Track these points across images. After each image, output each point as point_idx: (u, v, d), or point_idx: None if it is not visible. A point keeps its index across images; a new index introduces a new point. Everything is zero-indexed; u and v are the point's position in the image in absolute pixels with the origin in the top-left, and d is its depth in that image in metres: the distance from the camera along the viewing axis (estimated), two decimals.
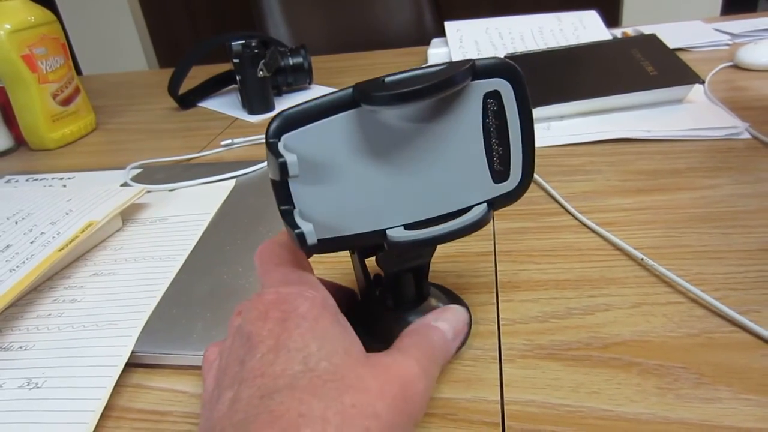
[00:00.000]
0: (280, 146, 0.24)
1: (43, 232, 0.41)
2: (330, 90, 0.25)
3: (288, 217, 0.25)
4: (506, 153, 0.27)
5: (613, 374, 0.28)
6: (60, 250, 0.39)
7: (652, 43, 0.66)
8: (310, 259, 0.29)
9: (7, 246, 0.40)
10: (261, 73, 0.73)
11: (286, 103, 0.78)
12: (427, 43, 0.92)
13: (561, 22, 0.85)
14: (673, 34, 0.78)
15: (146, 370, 0.33)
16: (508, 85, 0.26)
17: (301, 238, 0.25)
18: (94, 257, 0.43)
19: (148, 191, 0.52)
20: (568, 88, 0.61)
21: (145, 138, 0.73)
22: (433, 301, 0.32)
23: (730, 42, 0.79)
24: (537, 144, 0.28)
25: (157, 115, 0.81)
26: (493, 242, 0.40)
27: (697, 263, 0.35)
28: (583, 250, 0.38)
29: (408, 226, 0.27)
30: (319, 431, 0.19)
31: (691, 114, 0.57)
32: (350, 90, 0.25)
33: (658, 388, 0.27)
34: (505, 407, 0.27)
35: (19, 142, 0.75)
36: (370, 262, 0.30)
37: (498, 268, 0.37)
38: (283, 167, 0.24)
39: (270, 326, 0.23)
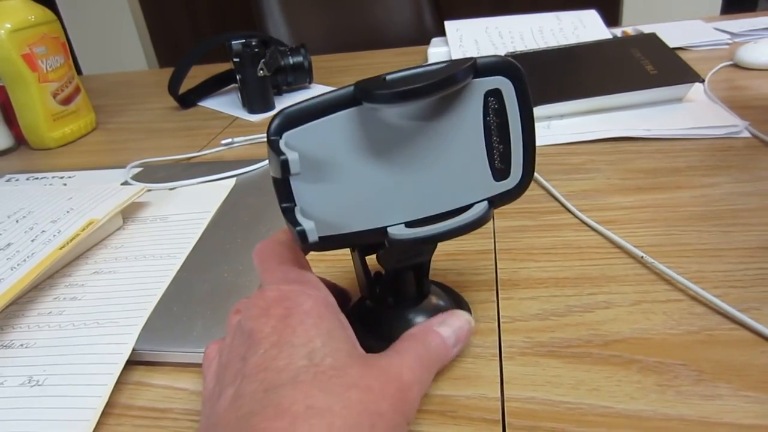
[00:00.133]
0: (282, 144, 0.25)
1: (43, 231, 0.41)
2: (330, 89, 0.25)
3: (289, 214, 0.25)
4: (507, 151, 0.27)
5: (614, 371, 0.28)
6: (61, 249, 0.39)
7: (651, 42, 0.66)
8: (310, 257, 0.29)
9: (8, 244, 0.40)
10: (261, 72, 0.73)
11: (286, 102, 0.78)
12: (427, 42, 0.92)
13: (561, 22, 0.85)
14: (672, 34, 0.78)
15: (147, 367, 0.33)
16: (510, 83, 0.26)
17: (302, 235, 0.25)
18: (94, 255, 0.43)
19: (149, 190, 0.52)
20: (568, 87, 0.61)
21: (146, 137, 0.73)
22: (433, 299, 0.32)
23: (729, 41, 0.79)
24: (537, 142, 0.28)
25: (157, 115, 0.81)
26: (493, 240, 0.40)
27: (697, 261, 0.35)
28: (583, 248, 0.38)
29: (409, 224, 0.27)
30: (327, 423, 0.20)
31: (690, 113, 0.57)
32: (351, 88, 0.25)
33: (658, 385, 0.27)
34: (505, 404, 0.27)
35: (20, 142, 0.75)
36: (371, 259, 0.30)
37: (498, 266, 0.37)
38: (284, 165, 0.24)
39: (273, 323, 0.23)
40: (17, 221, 0.44)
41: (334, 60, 0.99)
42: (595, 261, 0.37)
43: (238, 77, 0.75)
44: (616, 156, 0.51)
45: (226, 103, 0.81)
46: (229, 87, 0.87)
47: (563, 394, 0.27)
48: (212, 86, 0.85)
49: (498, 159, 0.27)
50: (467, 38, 0.85)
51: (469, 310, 0.33)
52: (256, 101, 0.75)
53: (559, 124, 0.58)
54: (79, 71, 0.78)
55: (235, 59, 0.73)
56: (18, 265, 0.38)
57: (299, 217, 0.25)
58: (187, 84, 0.81)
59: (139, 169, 0.60)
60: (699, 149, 0.50)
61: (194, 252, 0.42)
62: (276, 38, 0.85)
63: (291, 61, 0.79)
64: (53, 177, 0.60)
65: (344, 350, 0.23)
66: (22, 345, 0.34)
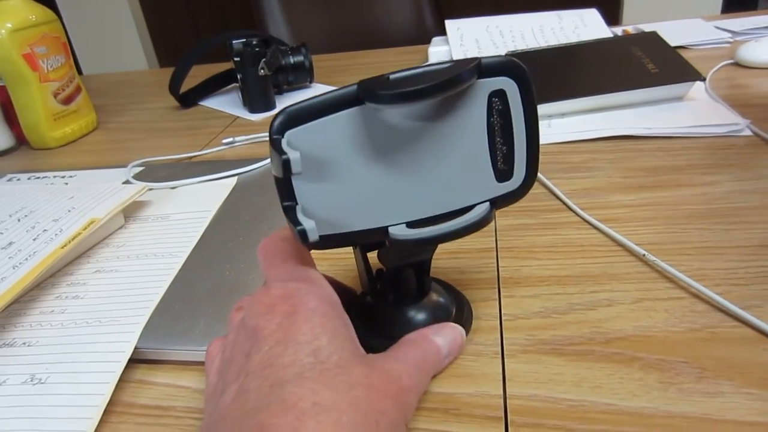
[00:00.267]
0: (284, 143, 0.25)
1: (45, 229, 0.41)
2: (331, 89, 0.25)
3: (290, 213, 0.25)
4: (510, 152, 0.27)
5: (616, 369, 0.28)
6: (62, 247, 0.39)
7: (652, 40, 0.66)
8: (312, 254, 0.29)
9: (10, 243, 0.40)
10: (262, 71, 0.73)
11: (286, 101, 0.78)
12: (428, 42, 0.92)
13: (562, 20, 0.85)
14: (673, 32, 0.78)
15: (149, 365, 0.33)
16: (514, 84, 0.26)
17: (302, 234, 0.25)
18: (96, 254, 0.43)
19: (150, 189, 0.52)
20: (569, 86, 0.61)
21: (146, 137, 0.73)
22: (434, 297, 0.32)
23: (730, 40, 0.79)
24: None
25: (158, 114, 0.81)
26: (494, 238, 0.40)
27: (698, 259, 0.35)
28: (585, 247, 0.38)
29: (410, 224, 0.27)
30: (334, 420, 0.20)
31: (691, 111, 0.57)
32: (354, 87, 0.25)
33: (661, 382, 0.27)
34: (507, 402, 0.27)
35: (21, 141, 0.75)
36: (373, 256, 0.30)
37: (500, 264, 0.37)
38: (286, 164, 0.24)
39: (278, 320, 0.23)
40: (19, 220, 0.44)
41: (334, 59, 0.99)
42: (596, 259, 0.37)
43: (238, 76, 0.75)
44: (617, 154, 0.51)
45: (226, 103, 0.81)
46: (229, 86, 0.87)
47: (565, 391, 0.27)
48: (213, 86, 0.85)
49: (501, 160, 0.27)
50: (468, 37, 0.85)
51: (470, 308, 0.33)
52: (257, 100, 0.75)
53: (560, 123, 0.58)
54: (79, 71, 0.78)
55: (235, 58, 0.73)
56: (20, 263, 0.38)
57: (300, 217, 0.25)
58: (188, 83, 0.82)
59: (141, 169, 0.60)
60: (700, 147, 0.50)
61: (196, 251, 0.42)
62: (277, 38, 0.85)
63: (292, 60, 0.79)
64: (54, 176, 0.60)
65: (348, 349, 0.23)
66: (24, 343, 0.34)
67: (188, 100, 0.82)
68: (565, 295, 0.34)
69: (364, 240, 0.27)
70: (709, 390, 0.27)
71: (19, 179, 0.61)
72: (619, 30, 0.87)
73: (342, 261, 0.39)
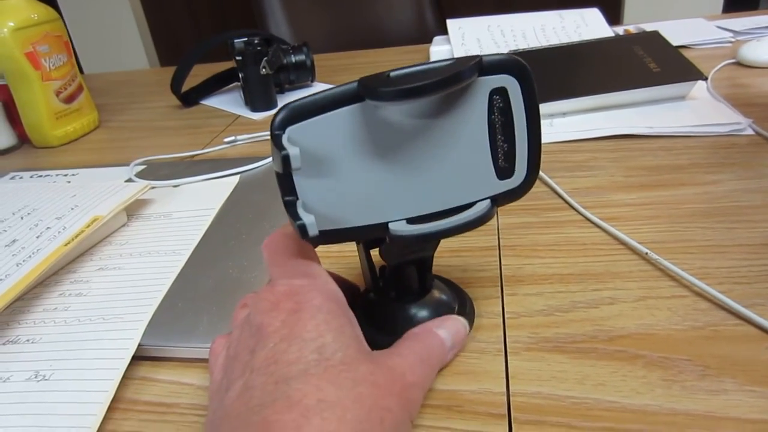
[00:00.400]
0: (284, 139, 0.25)
1: (48, 227, 0.42)
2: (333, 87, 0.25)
3: (291, 208, 0.26)
4: (511, 150, 0.27)
5: (619, 366, 0.28)
6: (66, 245, 0.39)
7: (654, 40, 0.66)
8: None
9: (14, 240, 0.40)
10: (264, 70, 0.73)
11: (288, 100, 0.78)
12: (429, 41, 0.92)
13: (563, 20, 0.85)
14: (675, 32, 0.78)
15: (153, 362, 0.33)
16: (516, 81, 0.26)
17: (302, 229, 0.25)
18: (99, 252, 0.43)
19: (153, 187, 0.52)
20: (570, 85, 0.61)
21: (148, 135, 0.73)
22: (436, 294, 0.32)
23: (732, 39, 0.79)
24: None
25: (160, 113, 0.82)
26: (497, 237, 0.40)
27: (701, 257, 0.35)
28: (588, 245, 0.38)
29: (410, 221, 0.27)
30: (338, 416, 0.20)
31: (693, 110, 0.57)
32: (355, 84, 0.25)
33: (664, 380, 0.27)
34: (511, 399, 0.27)
35: (23, 140, 0.75)
36: (376, 254, 0.30)
37: (502, 263, 0.37)
38: (285, 159, 0.24)
39: (283, 317, 0.23)
40: (22, 218, 0.44)
41: (336, 59, 0.99)
42: (599, 257, 0.37)
43: (240, 75, 0.75)
44: (619, 153, 0.51)
45: (228, 102, 0.81)
46: (231, 85, 0.87)
47: (569, 389, 0.27)
48: (214, 85, 0.85)
49: (502, 157, 0.27)
50: (469, 36, 0.85)
51: (472, 306, 0.33)
52: (258, 99, 0.75)
53: (561, 122, 0.58)
54: (80, 70, 0.78)
55: (237, 57, 0.73)
56: (23, 261, 0.38)
57: (300, 212, 0.25)
58: (190, 82, 0.82)
59: (143, 167, 0.60)
60: (702, 147, 0.50)
61: (199, 248, 0.42)
62: (278, 37, 0.85)
63: (293, 59, 0.79)
64: (57, 175, 0.60)
65: (353, 347, 0.23)
66: (28, 340, 0.34)
67: (190, 99, 0.82)
68: (567, 293, 0.34)
69: (365, 236, 0.28)
70: (712, 388, 0.27)
71: (21, 177, 0.61)
72: (620, 29, 0.87)
73: (345, 258, 0.39)
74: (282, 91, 0.81)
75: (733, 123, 0.52)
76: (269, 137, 0.25)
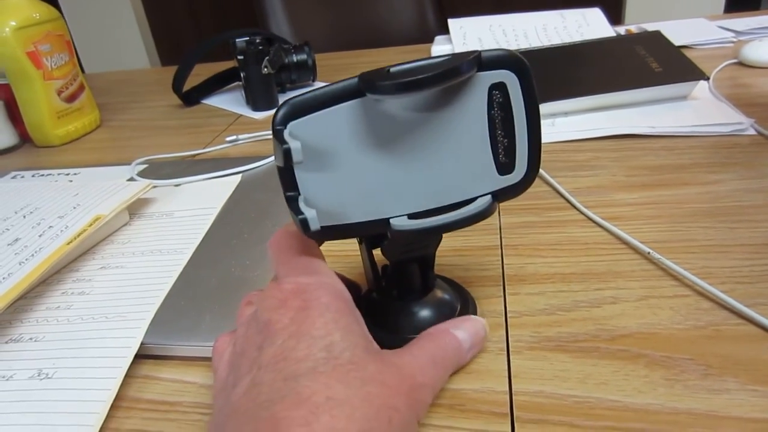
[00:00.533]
0: (286, 133, 0.25)
1: (51, 226, 0.42)
2: None
3: (292, 203, 0.26)
4: (511, 145, 0.27)
5: (621, 366, 0.28)
6: (68, 244, 0.39)
7: (656, 39, 0.66)
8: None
9: (16, 239, 0.40)
10: (265, 69, 0.73)
11: None
12: (430, 41, 0.92)
13: (565, 20, 0.85)
14: (676, 32, 0.78)
15: (155, 361, 0.33)
16: (515, 77, 0.26)
17: (304, 223, 0.26)
18: (101, 251, 0.43)
19: (155, 186, 0.52)
20: (572, 85, 0.61)
21: (150, 134, 0.73)
22: (438, 293, 0.32)
23: (734, 39, 0.79)
24: (542, 139, 0.28)
25: (161, 112, 0.82)
26: (499, 236, 0.40)
27: (703, 257, 0.35)
28: (590, 244, 0.38)
29: (411, 216, 0.27)
30: (347, 414, 0.20)
31: (695, 110, 0.57)
32: (356, 79, 0.25)
33: (666, 379, 0.27)
34: (513, 398, 0.27)
35: (24, 139, 0.75)
36: (378, 254, 0.30)
37: (504, 262, 0.37)
38: (287, 154, 0.24)
39: (291, 314, 0.23)
40: (24, 217, 0.44)
41: (337, 58, 0.99)
42: (601, 257, 0.37)
43: (242, 75, 0.75)
44: (621, 153, 0.51)
45: (229, 101, 0.82)
46: (232, 85, 0.87)
47: (571, 387, 0.27)
48: (215, 84, 0.85)
49: (502, 153, 0.27)
50: (471, 36, 0.85)
51: (474, 305, 0.33)
52: (260, 99, 0.75)
53: (563, 122, 0.58)
54: (81, 69, 0.78)
55: (239, 57, 0.73)
56: (26, 259, 0.38)
57: (302, 206, 0.26)
58: (191, 82, 0.82)
59: (144, 166, 0.60)
60: (704, 146, 0.50)
61: (201, 247, 0.42)
62: (280, 36, 0.85)
63: (295, 58, 0.79)
64: (58, 174, 0.60)
65: (361, 345, 0.23)
66: (31, 339, 0.34)
67: (191, 98, 0.82)
68: (570, 293, 0.34)
69: (366, 231, 0.28)
70: (714, 387, 0.27)
71: (23, 176, 0.61)
72: (622, 29, 0.87)
73: (347, 257, 0.39)
74: (283, 91, 0.81)
75: (735, 123, 0.52)
76: (271, 135, 0.25)
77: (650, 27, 0.83)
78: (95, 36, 2.19)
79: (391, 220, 0.27)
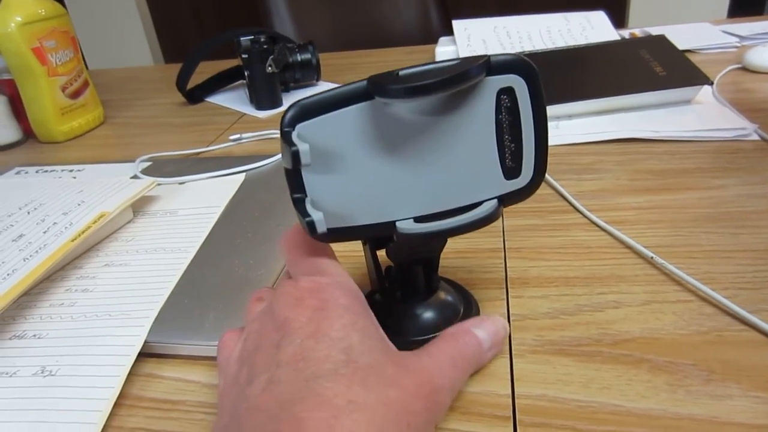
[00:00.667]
0: (294, 135, 0.25)
1: (55, 222, 0.42)
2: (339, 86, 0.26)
3: (299, 205, 0.26)
4: (518, 150, 0.27)
5: (624, 370, 0.28)
6: (72, 240, 0.39)
7: (660, 43, 0.66)
8: None
9: (20, 235, 0.40)
10: (269, 68, 0.73)
11: (293, 99, 0.78)
12: (433, 41, 0.93)
13: (569, 22, 0.85)
14: (680, 36, 0.78)
15: (158, 359, 0.33)
16: (523, 81, 0.26)
17: (311, 226, 0.26)
18: (105, 248, 0.43)
19: (159, 184, 0.52)
20: (576, 88, 0.61)
21: (153, 132, 0.73)
22: (442, 295, 0.33)
23: (738, 44, 0.79)
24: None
25: (165, 110, 0.82)
26: (502, 239, 0.40)
27: (706, 262, 0.35)
28: (593, 248, 0.38)
29: (417, 219, 0.27)
30: (368, 419, 0.20)
31: (699, 115, 0.57)
32: (364, 82, 0.25)
33: (669, 384, 0.27)
34: (516, 401, 0.27)
35: (28, 135, 0.75)
36: (382, 255, 0.30)
37: (508, 265, 0.38)
38: (295, 155, 0.24)
39: (309, 314, 0.23)
40: (29, 213, 0.44)
41: (341, 58, 0.99)
42: (604, 261, 0.37)
43: (246, 73, 0.75)
44: (624, 157, 0.51)
45: (233, 99, 0.82)
46: (236, 83, 0.87)
47: (574, 392, 0.28)
48: (219, 82, 0.86)
49: (509, 157, 0.27)
50: (475, 37, 0.85)
51: (477, 307, 0.33)
52: (263, 97, 0.76)
53: (567, 125, 0.58)
54: (85, 66, 0.78)
55: (243, 55, 0.73)
56: (30, 256, 0.38)
57: (309, 208, 0.26)
58: (195, 80, 0.82)
59: (148, 164, 0.60)
60: (707, 151, 0.50)
61: (204, 246, 0.42)
62: (284, 35, 0.85)
63: (299, 58, 0.80)
64: (62, 170, 0.60)
65: (379, 348, 0.23)
66: (34, 335, 0.34)
67: (195, 96, 0.82)
68: (573, 297, 0.34)
69: (372, 234, 0.28)
70: (717, 392, 0.27)
71: (27, 172, 0.61)
72: (626, 33, 0.87)
73: (351, 258, 0.39)
74: (287, 90, 0.81)
75: (738, 128, 0.52)
76: (278, 135, 0.25)
77: (654, 31, 0.83)
78: (100, 33, 2.20)
79: (397, 223, 0.27)
